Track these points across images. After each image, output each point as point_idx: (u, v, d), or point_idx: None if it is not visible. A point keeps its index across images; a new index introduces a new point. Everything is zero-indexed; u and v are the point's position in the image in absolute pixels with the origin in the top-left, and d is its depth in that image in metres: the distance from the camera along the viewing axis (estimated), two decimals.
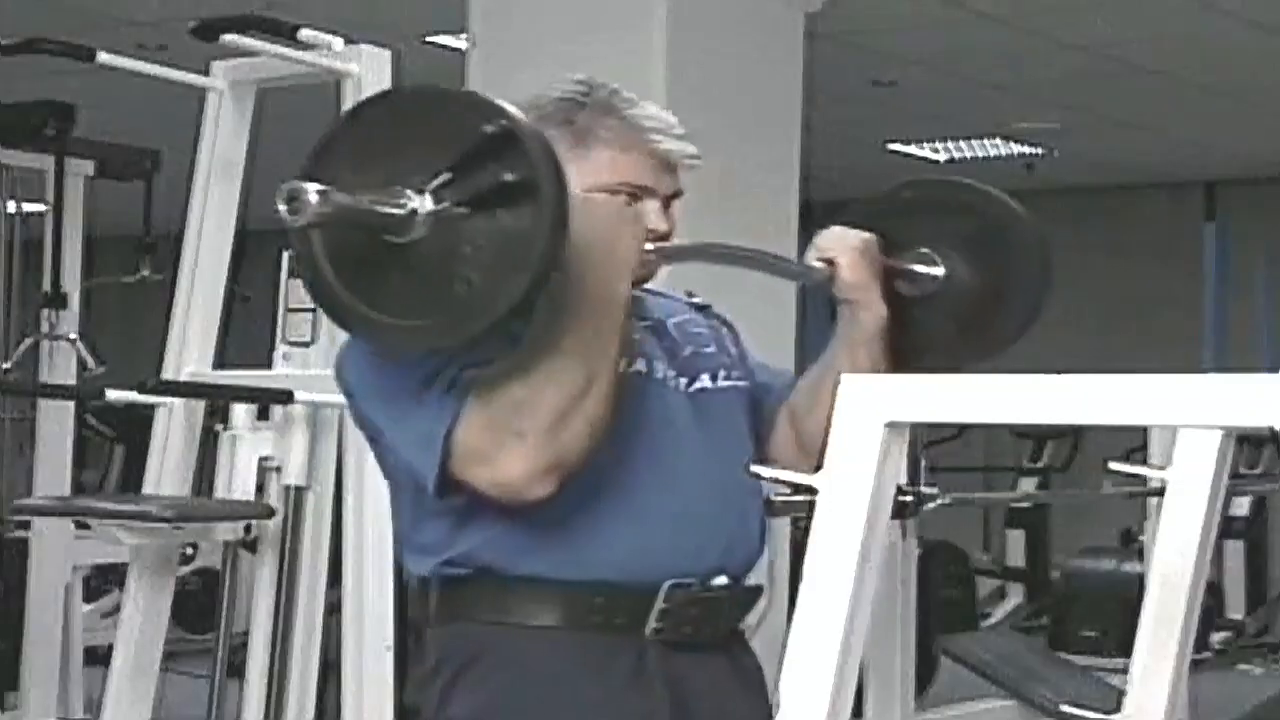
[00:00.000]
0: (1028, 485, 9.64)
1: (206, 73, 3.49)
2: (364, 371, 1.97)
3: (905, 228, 2.17)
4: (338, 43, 3.25)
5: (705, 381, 2.06)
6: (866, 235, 2.10)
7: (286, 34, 3.30)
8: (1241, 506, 8.28)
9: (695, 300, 2.20)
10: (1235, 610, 8.52)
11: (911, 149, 9.26)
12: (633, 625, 1.94)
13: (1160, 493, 2.11)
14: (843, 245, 2.08)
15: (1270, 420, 1.42)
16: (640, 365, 1.99)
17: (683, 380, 2.04)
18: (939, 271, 2.16)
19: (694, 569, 1.97)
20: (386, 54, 3.39)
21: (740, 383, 2.11)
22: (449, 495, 1.91)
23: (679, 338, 2.08)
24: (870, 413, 1.62)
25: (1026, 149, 9.18)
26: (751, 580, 2.10)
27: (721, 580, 2.00)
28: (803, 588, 1.65)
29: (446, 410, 1.87)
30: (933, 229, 2.19)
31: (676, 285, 2.22)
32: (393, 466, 1.99)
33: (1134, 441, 6.12)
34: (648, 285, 2.10)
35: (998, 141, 9.06)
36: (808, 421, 2.11)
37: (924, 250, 2.17)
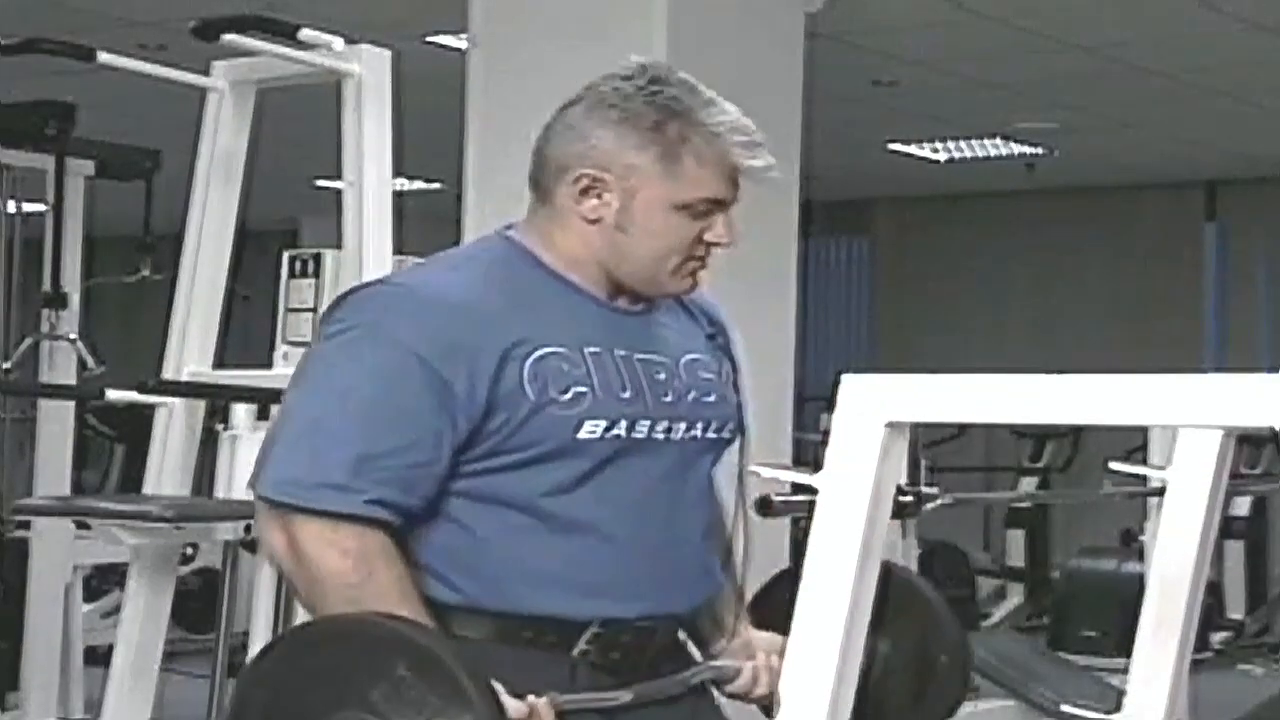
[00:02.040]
0: (1028, 485, 9.64)
1: (207, 73, 3.48)
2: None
3: None
4: (338, 42, 3.25)
5: (697, 431, 2.05)
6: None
7: (287, 34, 3.30)
8: (1242, 507, 8.27)
9: (712, 327, 2.15)
10: (1235, 610, 8.52)
11: (912, 149, 9.26)
12: (562, 646, 1.95)
13: (1160, 493, 2.11)
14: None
15: (1270, 420, 1.42)
16: (620, 430, 1.96)
17: (679, 426, 2.02)
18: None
19: (625, 612, 1.97)
20: (386, 54, 3.39)
21: (727, 436, 2.10)
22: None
23: (686, 380, 2.05)
24: (870, 413, 1.62)
25: (1027, 149, 9.18)
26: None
27: (656, 617, 2.01)
28: (802, 588, 1.65)
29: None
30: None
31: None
32: None
33: (1134, 442, 6.12)
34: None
35: (998, 141, 9.06)
36: None
37: None
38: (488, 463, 1.93)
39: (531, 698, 1.84)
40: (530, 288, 2.01)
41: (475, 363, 1.91)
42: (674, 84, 2.01)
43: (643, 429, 1.99)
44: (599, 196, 2.00)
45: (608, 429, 1.95)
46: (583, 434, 1.93)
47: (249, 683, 1.82)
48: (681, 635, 2.06)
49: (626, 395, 1.98)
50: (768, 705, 2.08)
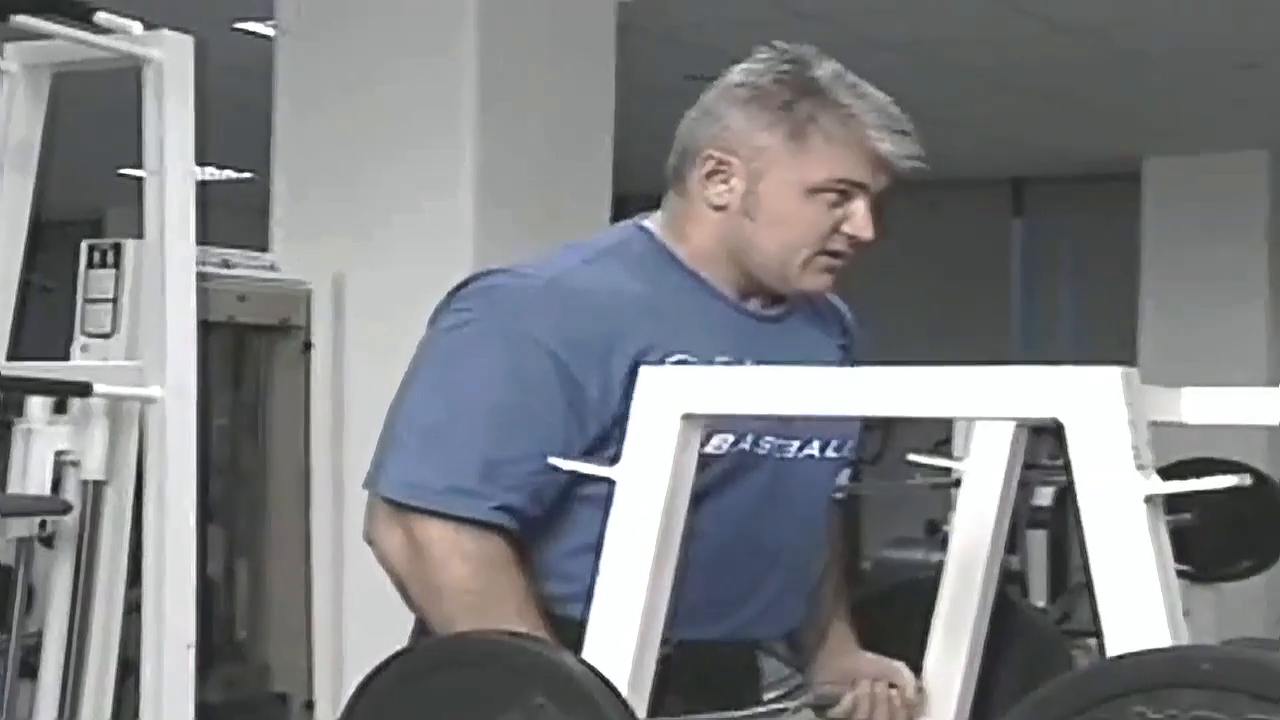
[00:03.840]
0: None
1: None
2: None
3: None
4: (136, 27, 3.16)
5: (814, 449, 1.97)
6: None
7: (82, 16, 3.21)
8: (1045, 497, 8.46)
9: (845, 336, 2.08)
10: (1039, 598, 8.70)
11: None
12: None
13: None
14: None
15: (1054, 411, 1.45)
16: (745, 444, 1.89)
17: (794, 444, 1.94)
18: None
19: (704, 634, 1.88)
20: (189, 40, 3.30)
21: (846, 454, 2.03)
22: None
23: None
24: (667, 404, 1.62)
25: None
26: None
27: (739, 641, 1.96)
28: (599, 580, 1.65)
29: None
30: None
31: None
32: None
33: (941, 434, 6.22)
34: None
35: None
36: None
37: None
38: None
39: None
40: (663, 287, 1.90)
41: (608, 365, 1.82)
42: (815, 65, 1.91)
43: (766, 445, 1.91)
44: (725, 181, 1.90)
45: (734, 443, 1.88)
46: (709, 447, 1.82)
47: (359, 708, 1.60)
48: (760, 658, 2.00)
49: None
50: None
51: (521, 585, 1.83)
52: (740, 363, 1.88)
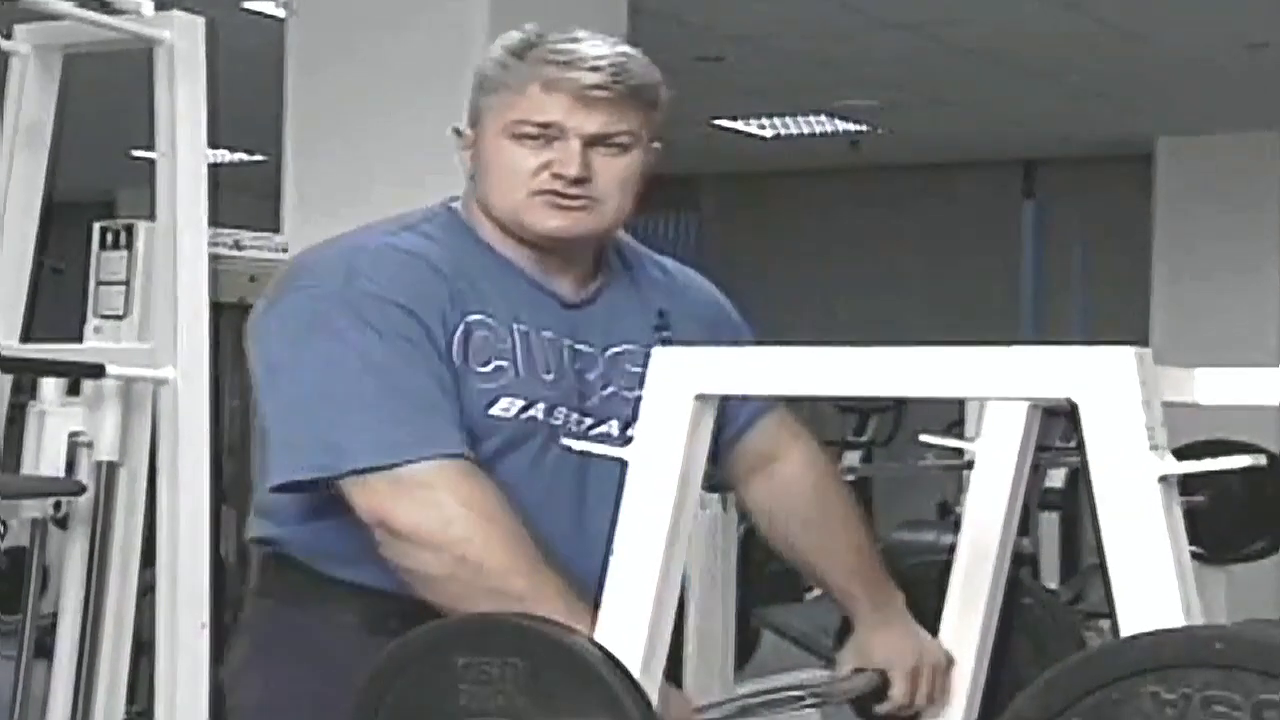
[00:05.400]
0: (851, 459, 9.76)
1: (9, 36, 3.38)
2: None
3: None
4: (147, 7, 3.16)
5: (612, 428, 1.96)
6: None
7: None
8: (1057, 479, 8.45)
9: (660, 318, 2.06)
10: (1050, 579, 8.70)
11: (738, 125, 9.31)
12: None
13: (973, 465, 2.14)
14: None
15: (1067, 392, 1.45)
16: (536, 412, 1.90)
17: (587, 420, 1.94)
18: None
19: None
20: (200, 21, 3.31)
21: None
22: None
23: (605, 373, 1.97)
24: (680, 385, 1.62)
25: (850, 126, 9.28)
26: None
27: None
28: (613, 560, 1.65)
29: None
30: None
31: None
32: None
33: (954, 415, 6.22)
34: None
35: (823, 118, 9.15)
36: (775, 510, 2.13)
37: None
38: None
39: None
40: (467, 262, 1.95)
41: (442, 317, 1.88)
42: (548, 34, 1.96)
43: (560, 416, 1.92)
44: (466, 148, 1.99)
45: (523, 410, 1.89)
46: (495, 410, 1.87)
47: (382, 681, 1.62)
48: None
49: (549, 378, 1.92)
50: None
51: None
52: (537, 333, 1.93)
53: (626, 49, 1.97)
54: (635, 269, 2.08)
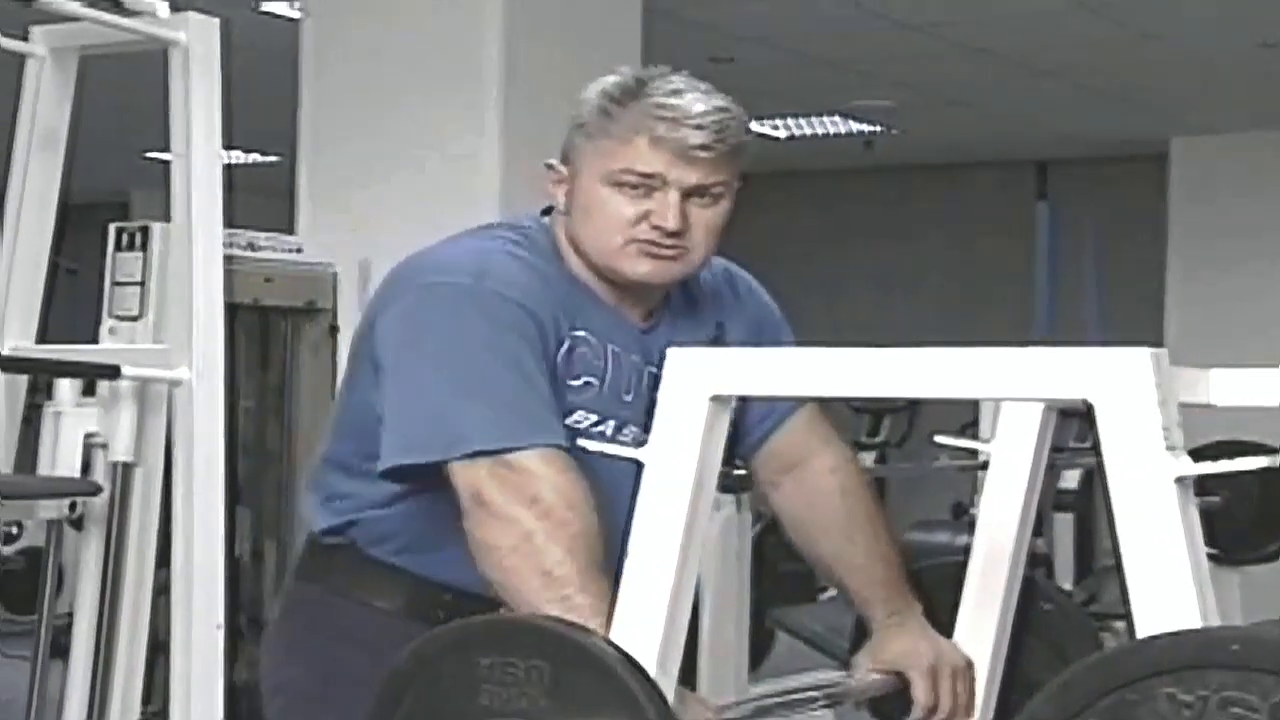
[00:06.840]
0: (866, 460, 9.75)
1: (25, 38, 3.39)
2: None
3: None
4: (163, 8, 3.17)
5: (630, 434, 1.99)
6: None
7: None
8: (1071, 480, 8.44)
9: (717, 330, 2.12)
10: (1065, 580, 8.68)
11: (751, 126, 9.29)
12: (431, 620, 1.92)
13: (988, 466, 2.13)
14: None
15: (1083, 393, 1.45)
16: (606, 429, 1.97)
17: (634, 429, 1.99)
18: None
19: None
20: (215, 22, 3.31)
21: None
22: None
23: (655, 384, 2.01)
24: (695, 386, 1.62)
25: (865, 126, 9.27)
26: None
27: None
28: (628, 561, 1.65)
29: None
30: None
31: None
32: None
33: (968, 416, 6.21)
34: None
35: (836, 119, 9.14)
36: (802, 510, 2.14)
37: None
38: None
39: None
40: (557, 285, 2.01)
41: (556, 327, 1.95)
42: (651, 78, 2.01)
43: (628, 435, 1.98)
44: (560, 184, 2.03)
45: (595, 424, 1.96)
46: (570, 420, 1.94)
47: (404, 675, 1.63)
48: None
49: (628, 398, 1.99)
50: None
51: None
52: (626, 356, 2.00)
53: (723, 102, 2.03)
54: (691, 282, 2.12)
